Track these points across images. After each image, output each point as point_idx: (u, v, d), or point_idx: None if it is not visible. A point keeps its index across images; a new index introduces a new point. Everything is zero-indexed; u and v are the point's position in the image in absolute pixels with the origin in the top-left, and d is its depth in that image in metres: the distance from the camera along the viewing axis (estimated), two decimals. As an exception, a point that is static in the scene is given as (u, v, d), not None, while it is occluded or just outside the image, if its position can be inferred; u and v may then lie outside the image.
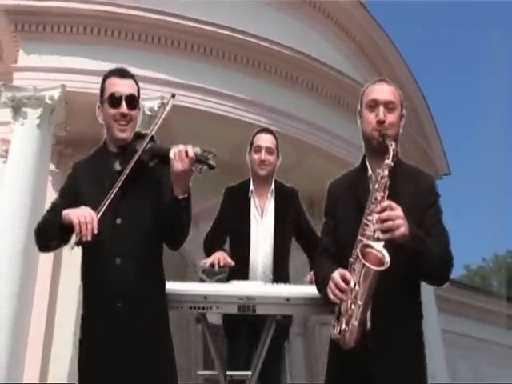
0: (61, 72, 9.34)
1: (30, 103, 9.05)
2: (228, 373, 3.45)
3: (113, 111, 2.82)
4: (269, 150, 4.08)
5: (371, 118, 2.66)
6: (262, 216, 4.07)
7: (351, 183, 2.76)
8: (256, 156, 4.07)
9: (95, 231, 2.50)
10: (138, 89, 2.92)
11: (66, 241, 2.71)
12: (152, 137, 2.79)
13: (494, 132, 61.28)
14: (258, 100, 10.10)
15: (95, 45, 9.40)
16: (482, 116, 62.65)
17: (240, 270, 3.82)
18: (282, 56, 10.33)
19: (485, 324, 15.86)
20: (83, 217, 2.52)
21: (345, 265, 2.49)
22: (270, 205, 4.10)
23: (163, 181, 2.67)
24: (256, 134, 4.22)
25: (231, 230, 4.06)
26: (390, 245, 2.36)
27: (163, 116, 2.87)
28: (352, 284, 2.37)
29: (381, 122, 2.63)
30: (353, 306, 2.37)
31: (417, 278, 2.60)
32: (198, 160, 2.53)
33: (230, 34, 9.73)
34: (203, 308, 3.11)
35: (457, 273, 27.02)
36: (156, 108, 8.92)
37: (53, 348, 9.18)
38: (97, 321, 2.68)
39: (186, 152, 2.53)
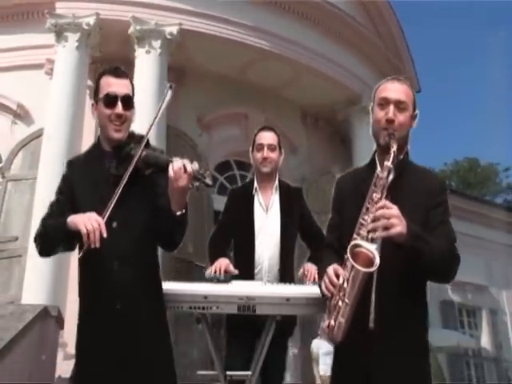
0: (95, 2, 9.65)
1: (69, 29, 9.46)
2: (228, 373, 3.12)
3: (108, 111, 2.47)
4: (271, 147, 3.66)
5: (381, 115, 2.33)
6: (267, 211, 3.67)
7: (359, 179, 2.43)
8: (258, 154, 3.67)
9: (104, 235, 2.24)
10: (133, 88, 2.60)
11: (71, 246, 2.42)
12: (147, 140, 2.49)
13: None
14: (260, 26, 10.51)
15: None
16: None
17: (246, 266, 3.50)
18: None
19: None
20: (90, 224, 2.23)
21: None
22: (275, 200, 3.70)
23: (158, 188, 2.42)
24: (257, 132, 3.79)
25: (236, 228, 3.63)
26: (388, 243, 2.12)
27: (159, 115, 2.58)
28: (341, 281, 2.14)
29: (390, 121, 2.30)
30: (340, 303, 2.13)
31: (420, 276, 2.29)
32: (195, 177, 2.25)
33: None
34: (203, 308, 2.80)
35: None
36: (175, 32, 8.74)
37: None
38: (95, 323, 2.41)
39: (185, 168, 2.24)
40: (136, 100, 9.56)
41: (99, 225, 2.23)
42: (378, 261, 2.05)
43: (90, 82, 9.67)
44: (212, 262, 3.42)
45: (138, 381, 2.36)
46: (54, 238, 2.42)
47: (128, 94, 2.50)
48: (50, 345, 6.63)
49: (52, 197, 8.86)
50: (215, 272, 3.31)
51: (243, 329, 3.37)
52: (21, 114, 10.09)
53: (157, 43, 9.43)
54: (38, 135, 9.40)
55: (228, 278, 3.19)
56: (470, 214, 15.83)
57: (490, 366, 15.74)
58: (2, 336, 5.36)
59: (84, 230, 2.22)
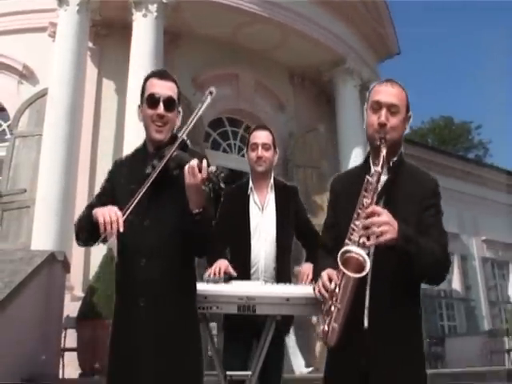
0: (95, -34, 9.64)
1: (70, -7, 9.49)
2: (228, 373, 2.99)
3: (150, 112, 2.40)
4: (265, 147, 3.49)
5: (373, 119, 2.24)
6: (262, 209, 3.48)
7: (353, 179, 2.33)
8: (253, 153, 3.50)
9: (121, 230, 2.17)
10: (179, 91, 2.49)
11: (95, 237, 2.29)
12: (184, 142, 2.40)
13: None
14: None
15: None
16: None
17: (242, 265, 3.30)
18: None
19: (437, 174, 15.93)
20: (108, 216, 2.17)
21: None
22: (271, 198, 3.50)
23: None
24: (252, 131, 3.63)
25: (232, 227, 3.37)
26: (380, 246, 2.03)
27: (196, 117, 2.42)
28: (333, 286, 2.07)
29: (382, 125, 2.21)
30: (332, 308, 2.05)
31: (412, 277, 2.19)
32: (209, 179, 2.15)
33: None
34: (203, 308, 2.66)
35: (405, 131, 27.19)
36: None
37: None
38: (122, 317, 2.36)
39: (200, 168, 2.16)
40: (133, 61, 9.44)
41: (117, 218, 2.17)
42: (368, 266, 1.99)
43: (90, 45, 9.82)
44: (210, 264, 3.23)
45: (157, 381, 2.25)
46: (82, 226, 2.41)
47: (171, 95, 2.42)
48: (57, 287, 6.72)
49: (56, 151, 8.80)
50: (214, 274, 3.15)
51: (241, 329, 3.24)
52: (26, 75, 10.14)
53: (153, 7, 9.47)
54: (42, 94, 9.47)
55: (227, 279, 3.10)
56: (444, 168, 16.14)
57: (459, 306, 16.49)
58: (12, 279, 5.49)
59: (101, 220, 2.17)
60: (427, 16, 67.57)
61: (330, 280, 2.09)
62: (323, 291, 2.11)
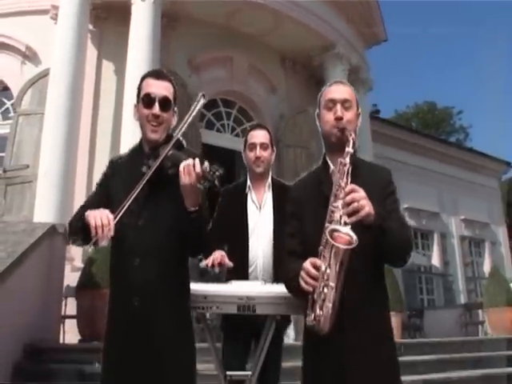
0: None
1: (71, -24, 9.62)
2: (228, 373, 2.86)
3: (146, 111, 2.32)
4: (263, 146, 3.34)
5: (329, 116, 2.24)
6: (260, 208, 3.33)
7: (315, 181, 2.29)
8: (251, 154, 3.35)
9: (111, 234, 2.08)
10: (175, 91, 2.41)
11: (88, 239, 2.18)
12: (179, 141, 2.32)
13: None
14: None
15: None
16: None
17: (240, 264, 3.18)
18: None
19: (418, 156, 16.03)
20: (99, 220, 2.08)
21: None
22: (268, 197, 3.36)
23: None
24: (249, 131, 3.48)
25: (229, 227, 3.23)
26: (357, 225, 1.97)
27: (190, 118, 2.35)
28: (323, 268, 1.97)
29: (339, 119, 2.21)
30: (325, 290, 1.96)
31: (380, 260, 2.17)
32: (204, 177, 2.08)
33: None
34: (203, 308, 2.57)
35: (390, 115, 27.17)
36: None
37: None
38: (116, 317, 2.27)
39: (194, 167, 2.09)
40: (131, 44, 9.29)
41: (109, 222, 2.09)
42: (355, 238, 1.93)
43: (91, 27, 9.82)
44: (206, 256, 3.13)
45: (151, 381, 2.18)
46: (74, 227, 2.31)
47: (166, 95, 2.35)
48: (57, 258, 6.81)
49: (57, 129, 8.72)
50: (212, 266, 3.07)
51: (240, 329, 3.12)
52: (29, 56, 10.18)
53: (151, -10, 9.25)
54: (44, 74, 9.49)
55: (223, 270, 3.06)
56: (427, 150, 16.25)
57: (438, 280, 16.94)
58: (15, 249, 5.55)
59: (92, 223, 2.09)
60: (414, 5, 67.26)
61: (315, 266, 1.99)
62: (309, 279, 1.98)
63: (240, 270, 3.14)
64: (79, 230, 2.24)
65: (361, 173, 2.18)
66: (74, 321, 6.96)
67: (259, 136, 3.39)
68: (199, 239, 2.26)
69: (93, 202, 2.34)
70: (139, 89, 2.40)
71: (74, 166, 8.66)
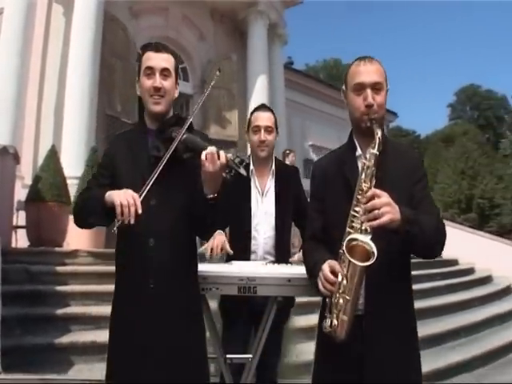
0: None
1: None
2: (228, 356, 2.61)
3: (147, 84, 2.13)
4: (268, 130, 2.98)
5: (359, 102, 1.94)
6: (262, 195, 3.00)
7: (339, 162, 2.04)
8: (255, 137, 2.99)
9: (139, 212, 1.89)
10: (176, 63, 2.24)
11: (106, 221, 2.04)
12: (190, 124, 2.14)
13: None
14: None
15: None
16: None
17: (241, 250, 2.93)
18: None
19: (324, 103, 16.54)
20: (125, 200, 1.88)
21: (334, 247, 1.90)
22: (271, 184, 3.02)
23: (197, 172, 1.99)
24: (253, 111, 3.10)
25: (232, 211, 2.84)
26: (382, 230, 1.74)
27: (204, 98, 2.27)
28: (340, 278, 1.76)
29: (370, 106, 1.91)
30: (341, 301, 1.75)
31: (406, 254, 1.95)
32: (229, 166, 1.89)
33: None
34: (203, 289, 2.30)
35: (301, 67, 27.81)
36: None
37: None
38: (129, 300, 2.06)
39: (218, 155, 1.90)
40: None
41: (134, 201, 1.91)
42: (375, 251, 1.72)
43: None
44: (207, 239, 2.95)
45: (166, 365, 1.99)
46: (90, 210, 2.10)
47: (167, 67, 2.17)
48: (9, 175, 6.87)
49: (11, 61, 8.74)
50: (211, 251, 2.84)
51: (240, 312, 2.90)
52: None
53: None
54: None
55: (223, 257, 2.90)
56: (330, 98, 16.79)
57: None
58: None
59: (118, 203, 1.90)
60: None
61: (333, 272, 1.82)
62: (328, 285, 1.82)
63: (242, 255, 2.94)
64: (99, 210, 2.04)
65: (388, 159, 1.96)
66: (24, 230, 7.06)
67: (264, 118, 3.05)
68: (211, 224, 2.14)
69: (96, 184, 2.20)
70: (139, 63, 2.25)
71: (24, 94, 8.52)
